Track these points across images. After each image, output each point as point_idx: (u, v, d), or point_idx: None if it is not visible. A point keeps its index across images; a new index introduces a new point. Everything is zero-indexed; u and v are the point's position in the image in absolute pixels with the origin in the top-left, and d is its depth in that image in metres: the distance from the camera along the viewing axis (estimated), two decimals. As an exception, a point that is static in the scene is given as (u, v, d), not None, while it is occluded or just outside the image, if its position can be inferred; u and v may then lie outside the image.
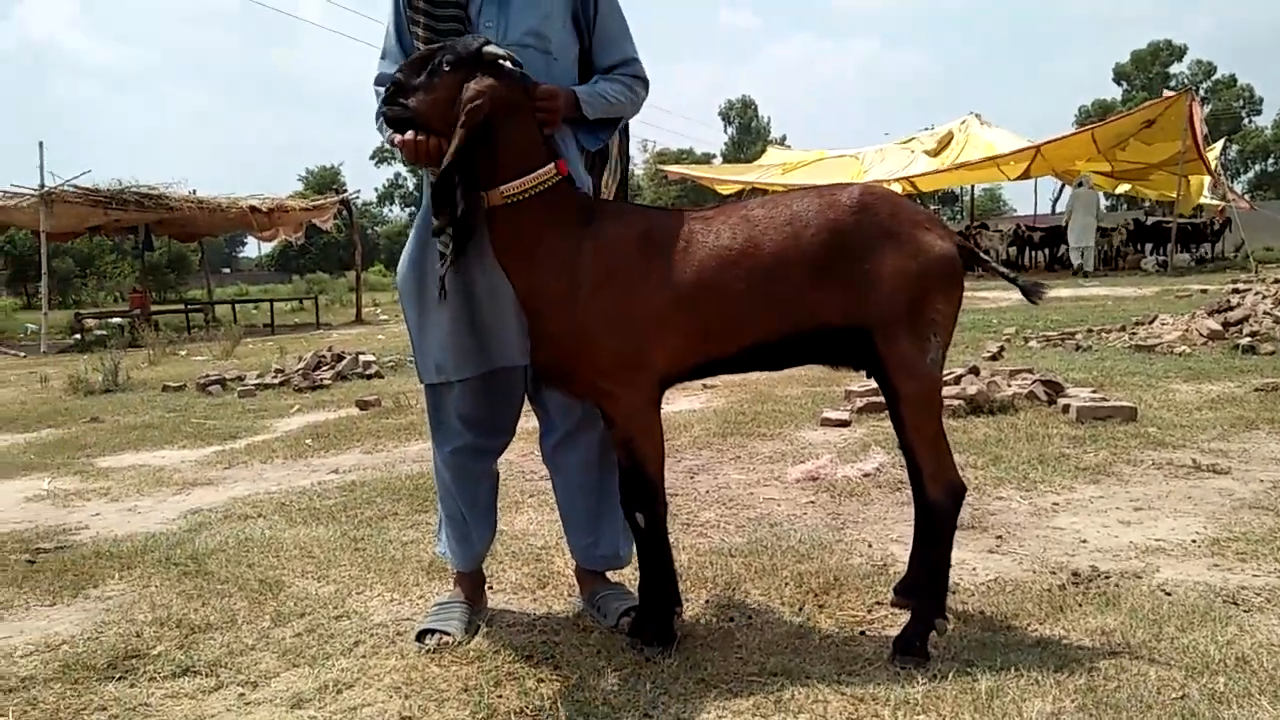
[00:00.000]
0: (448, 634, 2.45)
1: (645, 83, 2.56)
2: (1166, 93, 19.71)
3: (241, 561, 3.19)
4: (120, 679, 2.33)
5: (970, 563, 2.92)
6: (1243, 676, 2.07)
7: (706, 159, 58.74)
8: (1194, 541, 3.04)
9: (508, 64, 2.21)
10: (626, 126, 2.66)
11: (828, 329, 2.25)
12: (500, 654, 2.36)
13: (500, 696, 2.14)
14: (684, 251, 2.24)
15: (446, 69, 2.17)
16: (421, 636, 2.46)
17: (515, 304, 2.36)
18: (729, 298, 2.22)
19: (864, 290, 2.19)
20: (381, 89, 2.42)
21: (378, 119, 2.40)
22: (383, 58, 2.51)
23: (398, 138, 2.22)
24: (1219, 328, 7.63)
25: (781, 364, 2.45)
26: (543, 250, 2.24)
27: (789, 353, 2.34)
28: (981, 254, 2.39)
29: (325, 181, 52.47)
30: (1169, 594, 2.59)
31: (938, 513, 2.30)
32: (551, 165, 2.24)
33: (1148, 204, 33.85)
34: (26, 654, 2.51)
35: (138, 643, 2.52)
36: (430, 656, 2.36)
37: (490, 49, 2.19)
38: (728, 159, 59.78)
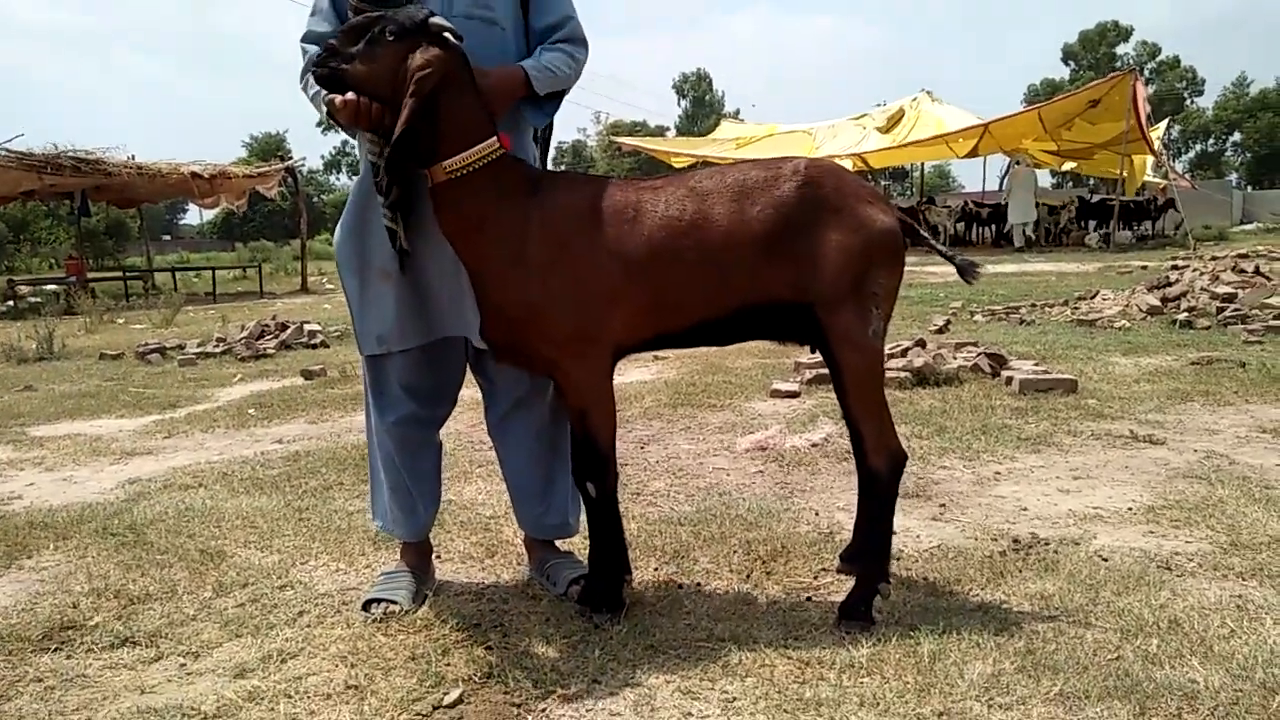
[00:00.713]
0: (394, 603, 2.43)
1: (585, 45, 2.52)
2: (1112, 73, 20.02)
3: (182, 531, 3.13)
4: (56, 650, 2.27)
5: (914, 530, 2.97)
6: (1175, 638, 2.13)
7: (660, 131, 58.58)
8: (1130, 509, 3.12)
9: (451, 37, 2.17)
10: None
11: (774, 303, 2.25)
12: (448, 622, 2.34)
13: (448, 664, 2.13)
14: (633, 221, 2.23)
15: (390, 39, 2.12)
16: (367, 606, 2.43)
17: (459, 274, 2.32)
18: (680, 269, 2.22)
19: (808, 263, 2.20)
20: (310, 47, 2.37)
21: (303, 78, 2.35)
22: (313, 14, 2.44)
23: (338, 98, 2.16)
24: (1158, 303, 7.82)
25: (730, 338, 2.44)
26: (490, 224, 2.21)
27: (738, 327, 2.34)
28: (921, 231, 2.41)
29: (270, 148, 51.27)
30: (1106, 560, 2.66)
31: (879, 481, 2.33)
32: (494, 139, 2.21)
33: (1092, 182, 34.52)
34: (-44, 626, 2.43)
35: (74, 614, 2.46)
36: (376, 625, 2.34)
37: (436, 20, 2.15)
38: (682, 132, 59.67)
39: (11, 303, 15.28)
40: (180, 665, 2.18)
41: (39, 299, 15.42)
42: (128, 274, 19.75)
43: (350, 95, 2.14)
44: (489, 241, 2.21)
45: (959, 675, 1.98)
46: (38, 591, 2.66)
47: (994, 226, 23.15)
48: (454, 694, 1.97)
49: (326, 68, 2.13)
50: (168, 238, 54.55)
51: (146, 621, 2.41)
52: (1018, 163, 21.11)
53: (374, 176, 2.30)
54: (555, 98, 2.50)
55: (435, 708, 1.94)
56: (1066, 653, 2.07)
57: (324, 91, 2.20)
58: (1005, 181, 21.41)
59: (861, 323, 2.23)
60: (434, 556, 2.75)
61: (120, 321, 11.98)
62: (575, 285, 2.20)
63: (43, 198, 19.06)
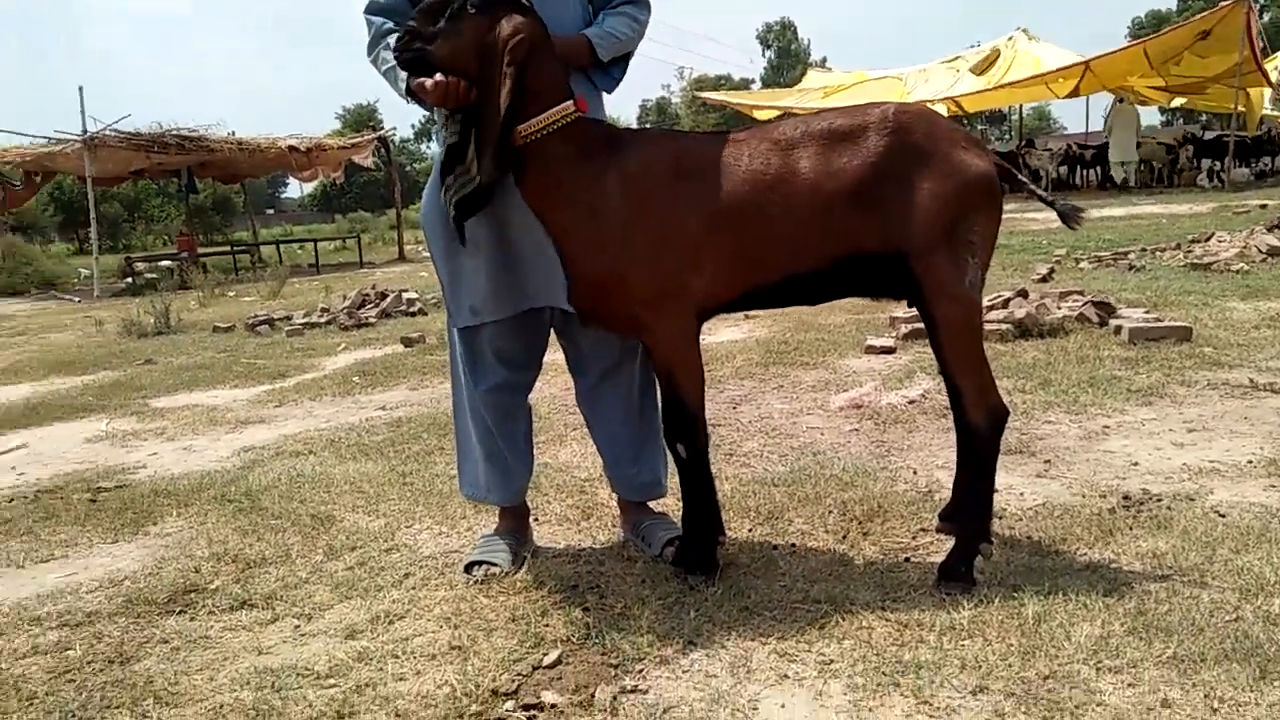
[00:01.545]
0: (495, 565, 2.49)
1: (647, 5, 2.50)
2: (1222, 3, 18.80)
3: (294, 497, 3.27)
4: (180, 613, 2.40)
5: (1017, 488, 2.89)
6: (1298, 599, 2.03)
7: (745, 84, 57.59)
8: (1249, 462, 2.98)
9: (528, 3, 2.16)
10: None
11: (864, 255, 2.19)
12: (546, 584, 2.39)
13: (547, 625, 2.17)
14: (716, 176, 2.19)
15: (472, 11, 2.12)
16: (469, 568, 2.50)
17: (547, 242, 2.34)
18: (764, 222, 2.17)
19: (899, 213, 2.13)
20: (375, 18, 2.39)
21: (371, 51, 2.37)
22: None
23: (428, 81, 2.17)
24: (1279, 244, 7.38)
25: (820, 296, 2.38)
26: (569, 186, 2.20)
27: (827, 282, 2.28)
28: (1019, 175, 2.31)
29: (362, 119, 52.25)
30: (1223, 516, 2.55)
31: (979, 437, 2.26)
32: (570, 102, 2.19)
33: (1204, 118, 32.62)
34: (91, 590, 2.59)
35: (196, 578, 2.60)
36: (478, 587, 2.40)
37: None
38: (766, 84, 58.52)
39: (130, 279, 16.06)
40: (295, 627, 2.29)
41: (155, 275, 16.15)
42: (235, 248, 20.54)
43: (439, 77, 2.15)
44: (569, 203, 2.20)
45: (1065, 638, 1.93)
46: (163, 557, 2.81)
47: (1099, 169, 22.11)
48: (553, 655, 2.02)
49: (410, 51, 2.14)
50: (271, 211, 56.44)
51: (263, 585, 2.53)
52: (1120, 100, 20.15)
53: (455, 158, 2.31)
54: (621, 62, 2.48)
55: (535, 668, 1.99)
56: (1180, 614, 1.99)
57: (405, 74, 2.22)
58: (1107, 120, 20.48)
59: (957, 273, 2.15)
60: (531, 519, 2.80)
61: (231, 295, 12.48)
62: (657, 243, 2.18)
63: (152, 176, 19.86)
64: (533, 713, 1.84)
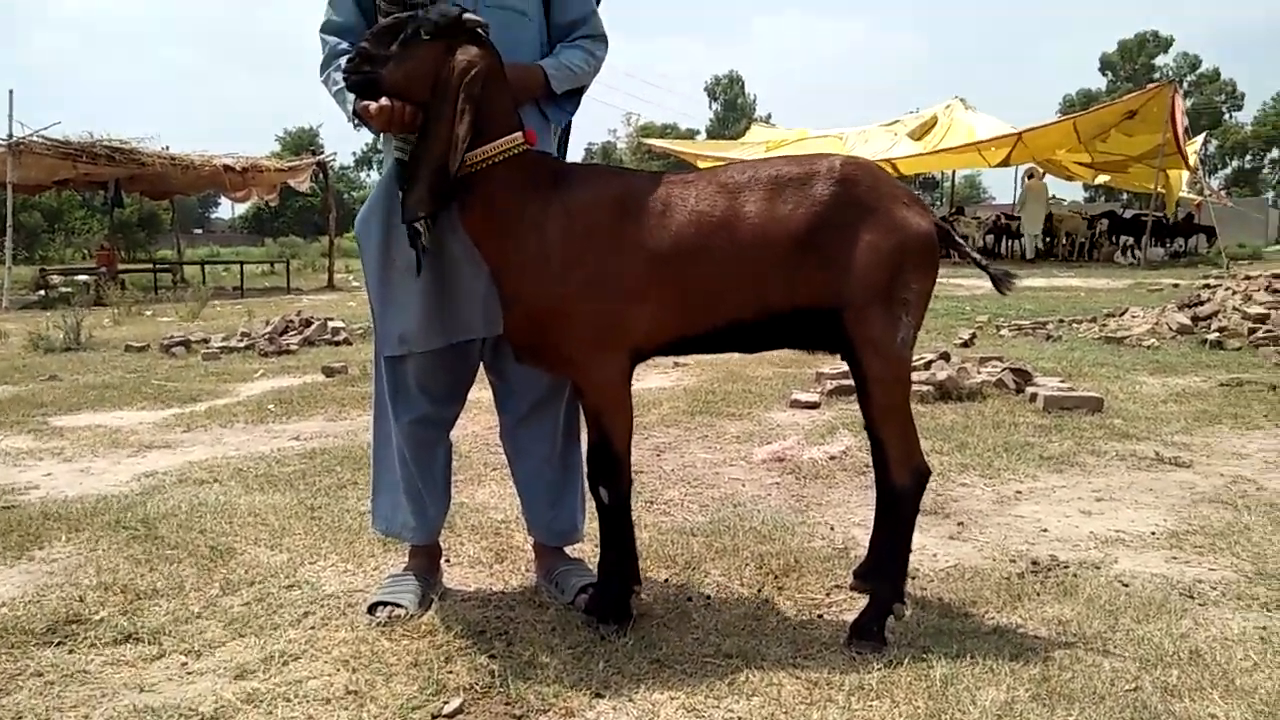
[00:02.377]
0: (400, 606, 2.41)
1: (605, 41, 2.50)
2: (1150, 84, 19.79)
3: (193, 527, 3.13)
4: (59, 644, 2.26)
5: (930, 548, 2.92)
6: (1196, 670, 2.07)
7: (691, 134, 58.45)
8: (1153, 534, 3.05)
9: (483, 33, 2.15)
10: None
11: (803, 307, 2.19)
12: (453, 628, 2.32)
13: (450, 672, 2.10)
14: (661, 217, 2.18)
15: (426, 38, 2.09)
16: (373, 609, 2.41)
17: (483, 274, 2.30)
18: (706, 268, 2.16)
19: (839, 265, 2.14)
20: (330, 37, 2.36)
21: (323, 72, 2.34)
22: (330, 3, 2.41)
23: (373, 105, 2.14)
24: (1188, 322, 7.69)
25: (756, 345, 2.38)
26: (512, 218, 2.16)
27: (765, 332, 2.27)
28: (956, 237, 2.35)
29: (303, 143, 51.67)
30: (1126, 585, 2.60)
31: (901, 497, 2.27)
32: (519, 133, 2.17)
33: (1125, 197, 34.10)
34: (-36, 616, 2.43)
35: (80, 607, 2.46)
36: (381, 630, 2.31)
37: (470, 16, 2.12)
38: (712, 135, 59.49)
39: (43, 292, 15.46)
40: (182, 664, 2.17)
41: (69, 289, 15.59)
42: (157, 266, 19.95)
43: (384, 102, 2.11)
44: (510, 235, 2.17)
45: (971, 702, 1.92)
46: (45, 584, 2.66)
47: (1019, 240, 22.90)
48: (454, 703, 1.95)
49: (360, 74, 2.11)
50: (199, 231, 55.12)
51: (151, 618, 2.40)
52: (1031, 175, 21.19)
53: (400, 175, 2.27)
54: (574, 95, 2.47)
55: (434, 716, 1.91)
56: (1083, 681, 2.01)
57: (354, 96, 2.18)
58: (1021, 194, 21.56)
59: (890, 330, 2.17)
60: (442, 560, 2.72)
61: (148, 313, 12.09)
62: (597, 282, 2.15)
63: (77, 187, 19.32)
64: (427, 764, 1.77)
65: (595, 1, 2.50)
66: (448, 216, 2.31)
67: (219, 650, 2.23)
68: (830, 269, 2.15)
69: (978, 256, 2.41)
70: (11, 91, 14.73)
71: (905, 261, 2.16)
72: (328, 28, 2.39)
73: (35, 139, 14.62)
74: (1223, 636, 2.25)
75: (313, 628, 2.35)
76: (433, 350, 2.43)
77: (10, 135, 14.51)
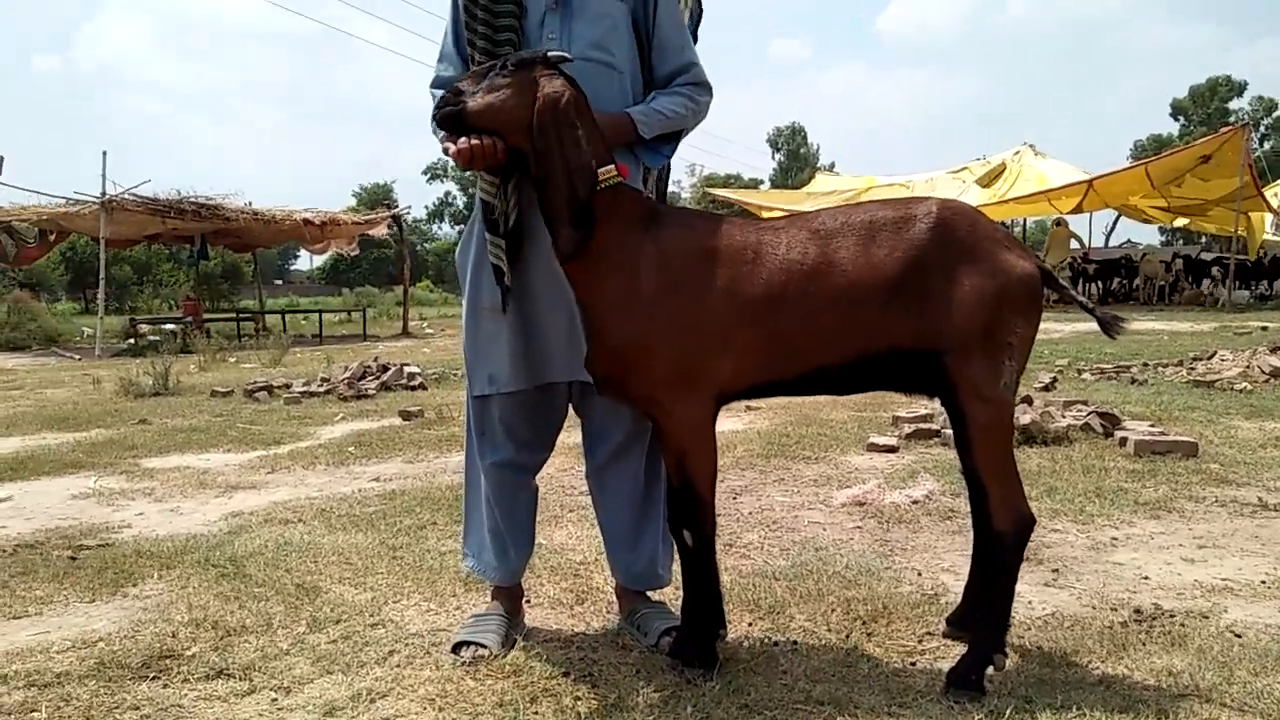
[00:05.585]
0: (484, 646, 2.39)
1: (708, 88, 2.48)
2: (1224, 128, 19.34)
3: (279, 565, 3.17)
4: (154, 679, 2.30)
5: (1025, 595, 2.81)
6: (1323, 727, 1.94)
7: (754, 184, 58.67)
8: (1263, 582, 2.90)
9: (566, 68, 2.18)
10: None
11: (898, 351, 2.14)
12: (536, 669, 2.29)
13: (536, 713, 2.08)
14: (752, 263, 2.16)
15: (511, 68, 2.14)
16: (457, 649, 2.40)
17: (572, 316, 2.31)
18: (797, 314, 2.13)
19: (939, 310, 2.09)
20: (438, 91, 2.40)
21: (433, 122, 2.38)
22: (440, 60, 2.48)
23: (452, 147, 2.18)
24: (1283, 365, 7.38)
25: (847, 388, 2.32)
26: (604, 251, 2.16)
27: (854, 376, 2.23)
28: (1058, 279, 2.29)
29: (378, 198, 53.26)
30: (1239, 635, 2.46)
31: (1004, 544, 2.18)
32: (611, 165, 2.19)
33: (1204, 239, 33.15)
34: (63, 650, 2.49)
35: (173, 643, 2.50)
36: (465, 669, 2.30)
37: (554, 51, 2.17)
38: (775, 184, 59.64)
39: (133, 340, 16.05)
40: (272, 700, 2.18)
41: (158, 337, 16.17)
42: (240, 315, 20.61)
43: (463, 143, 2.15)
44: (600, 270, 2.17)
45: (1080, 755, 1.83)
46: (140, 620, 2.71)
47: (1100, 283, 22.41)
48: (542, 744, 1.92)
49: (446, 105, 2.16)
50: (279, 282, 56.96)
51: (241, 654, 2.42)
52: (1058, 224, 20.82)
53: (486, 214, 2.31)
54: (671, 139, 2.48)
55: (522, 758, 1.88)
56: (1200, 737, 1.90)
57: (444, 134, 2.23)
58: (1047, 241, 21.24)
59: (993, 374, 2.11)
60: (524, 601, 2.71)
61: (232, 360, 12.45)
62: (685, 325, 2.14)
63: (165, 241, 20.10)
64: (516, 806, 1.74)
65: (695, 54, 2.51)
66: (535, 258, 2.33)
67: (308, 687, 2.24)
68: (930, 313, 2.10)
69: (1084, 299, 2.35)
70: (105, 152, 15.48)
71: (1009, 304, 2.11)
72: (437, 83, 2.43)
73: (127, 196, 15.31)
74: (1350, 691, 2.11)
75: (398, 666, 2.35)
76: (519, 393, 2.44)
77: (103, 193, 15.20)
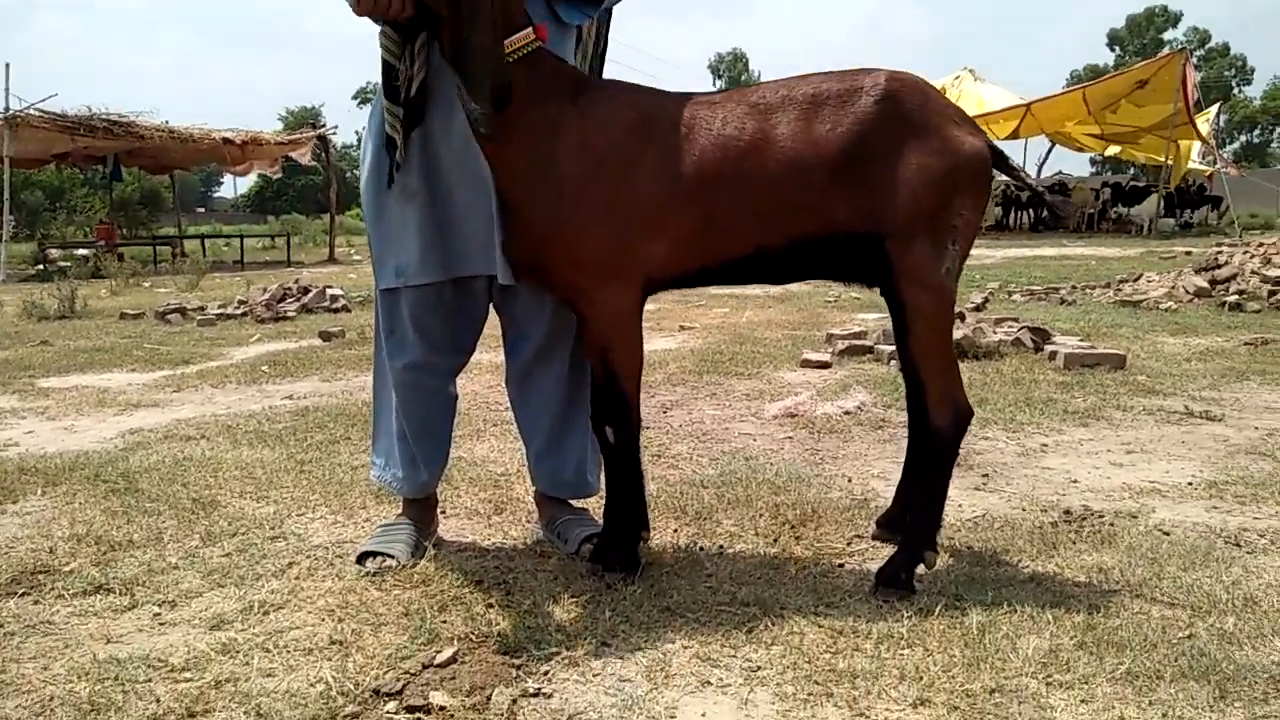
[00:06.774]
0: (391, 557, 2.24)
1: None
2: (1161, 54, 19.50)
3: (176, 480, 2.97)
4: (23, 595, 2.10)
5: (955, 499, 2.73)
6: (1252, 616, 1.91)
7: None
8: (1190, 484, 2.89)
9: None
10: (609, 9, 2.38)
11: (838, 234, 2.00)
12: (447, 578, 2.15)
13: (444, 621, 1.94)
14: (685, 139, 1.98)
15: None
16: (362, 559, 2.25)
17: (485, 205, 2.11)
18: (732, 194, 1.97)
19: (882, 190, 1.95)
20: None
21: None
22: None
23: None
24: (1206, 285, 7.50)
25: (780, 277, 2.16)
26: (522, 125, 1.96)
27: (789, 262, 2.07)
28: (1009, 159, 2.16)
29: (304, 120, 51.26)
30: (1167, 534, 2.43)
31: (941, 438, 2.08)
32: (529, 29, 1.97)
33: (1132, 170, 33.77)
34: (-74, 568, 2.28)
35: (49, 558, 2.30)
36: (370, 580, 2.15)
37: None
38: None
39: (41, 266, 15.29)
40: (154, 615, 2.01)
41: (68, 263, 15.42)
42: (157, 240, 19.75)
43: None
44: (519, 145, 1.97)
45: (1011, 650, 1.76)
46: (15, 536, 2.50)
47: (1032, 211, 22.69)
48: (447, 652, 1.78)
49: None
50: (201, 210, 54.78)
51: (125, 569, 2.24)
52: None
53: (387, 78, 2.08)
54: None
55: (425, 666, 1.75)
56: (1132, 629, 1.84)
57: None
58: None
59: (936, 259, 1.98)
60: (438, 511, 2.56)
61: (146, 285, 11.92)
62: (611, 205, 1.96)
63: (75, 161, 19.05)
64: (418, 715, 1.61)
65: None
66: (447, 135, 2.12)
67: (195, 601, 2.07)
68: (873, 193, 1.96)
69: (1032, 181, 2.23)
70: (8, 65, 14.48)
71: (957, 185, 1.97)
72: None
73: (31, 112, 14.40)
74: (1277, 583, 2.08)
75: (297, 578, 2.19)
76: (431, 286, 2.24)
77: (6, 108, 14.28)
